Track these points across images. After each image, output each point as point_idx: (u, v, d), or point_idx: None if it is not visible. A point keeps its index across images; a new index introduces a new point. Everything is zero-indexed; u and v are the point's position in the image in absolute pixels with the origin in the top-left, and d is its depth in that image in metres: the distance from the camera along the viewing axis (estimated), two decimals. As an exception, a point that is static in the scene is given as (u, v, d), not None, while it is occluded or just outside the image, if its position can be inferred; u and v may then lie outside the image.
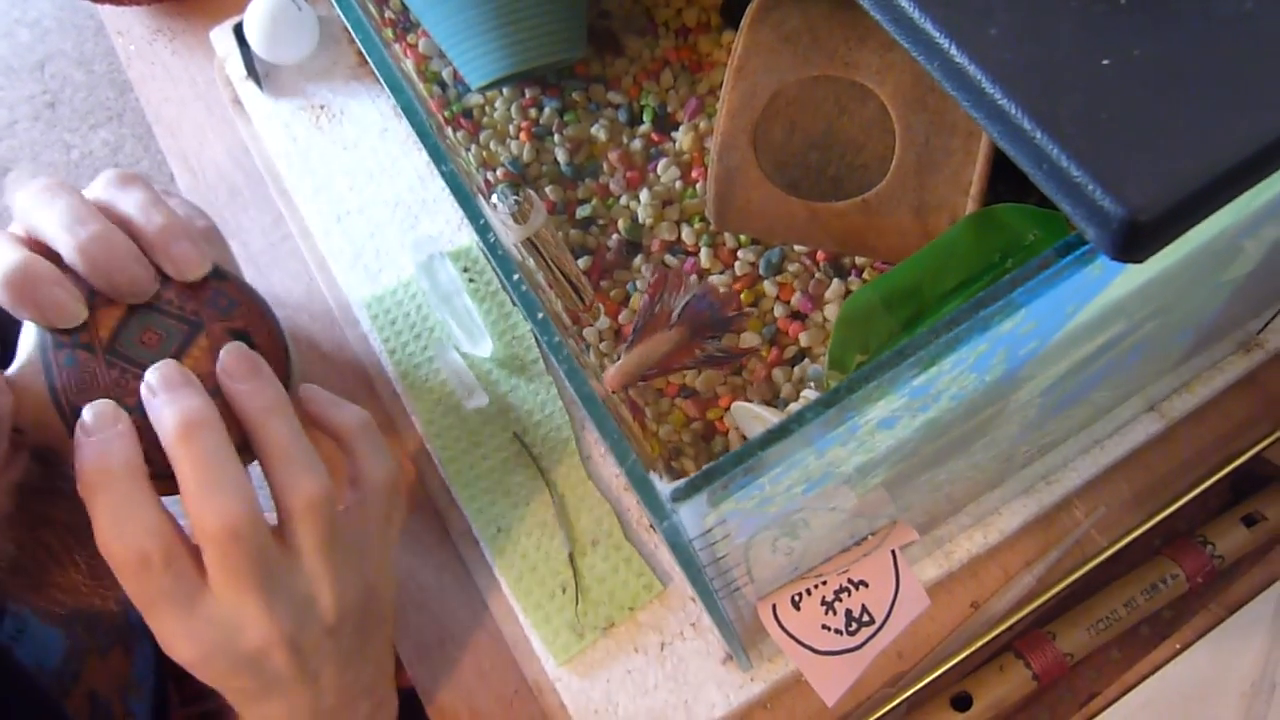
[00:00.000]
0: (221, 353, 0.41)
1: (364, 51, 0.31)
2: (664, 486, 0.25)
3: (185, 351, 0.42)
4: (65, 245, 0.40)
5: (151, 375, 0.40)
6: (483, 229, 0.28)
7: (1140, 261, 0.26)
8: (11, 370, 0.41)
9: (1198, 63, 0.27)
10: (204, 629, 0.39)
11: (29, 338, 0.41)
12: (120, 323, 0.41)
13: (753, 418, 0.48)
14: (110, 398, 0.40)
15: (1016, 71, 0.27)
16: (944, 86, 0.28)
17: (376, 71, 0.31)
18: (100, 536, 0.38)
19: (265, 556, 0.39)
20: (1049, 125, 0.26)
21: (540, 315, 0.27)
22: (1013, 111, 0.26)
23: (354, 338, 0.68)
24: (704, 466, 0.25)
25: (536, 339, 0.63)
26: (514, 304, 0.64)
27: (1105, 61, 0.27)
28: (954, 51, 0.27)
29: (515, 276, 0.27)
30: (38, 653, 0.52)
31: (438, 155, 0.29)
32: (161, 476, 0.40)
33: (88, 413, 0.39)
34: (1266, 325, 0.59)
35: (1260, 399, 0.60)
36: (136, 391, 0.40)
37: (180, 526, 0.39)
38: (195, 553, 0.39)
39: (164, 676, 0.61)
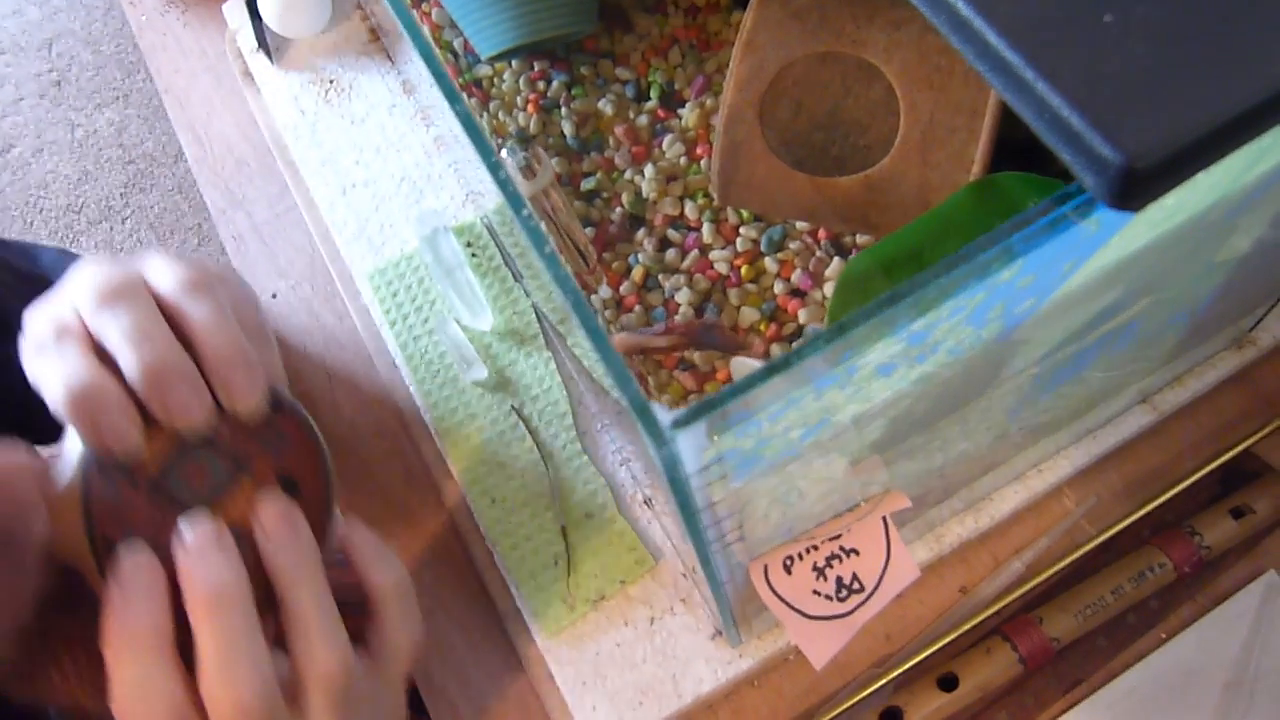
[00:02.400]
0: (259, 508, 0.41)
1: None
2: (665, 415, 0.26)
3: (229, 492, 0.41)
4: (127, 361, 0.39)
5: (186, 530, 0.39)
6: (494, 166, 0.28)
7: (1136, 210, 0.26)
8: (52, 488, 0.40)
9: (1198, 21, 0.27)
10: None
11: (73, 451, 0.40)
12: (168, 455, 0.40)
13: (763, 367, 0.48)
14: (146, 534, 0.39)
15: (1022, 25, 0.27)
16: (950, 40, 0.29)
17: (392, 11, 0.32)
18: (115, 701, 0.37)
19: None
20: (1051, 76, 0.26)
21: (547, 250, 0.28)
22: (1017, 63, 0.27)
23: (355, 310, 0.69)
24: (704, 398, 0.25)
25: (537, 314, 0.64)
26: (515, 279, 0.65)
27: (1108, 18, 0.27)
28: (960, 5, 0.28)
29: (524, 212, 0.28)
30: None
31: (451, 95, 0.30)
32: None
33: (124, 559, 0.38)
34: (1258, 323, 0.59)
35: (1251, 395, 0.61)
36: (171, 529, 0.39)
37: (195, 695, 0.38)
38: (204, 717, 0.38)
39: None
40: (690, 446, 0.27)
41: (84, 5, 1.86)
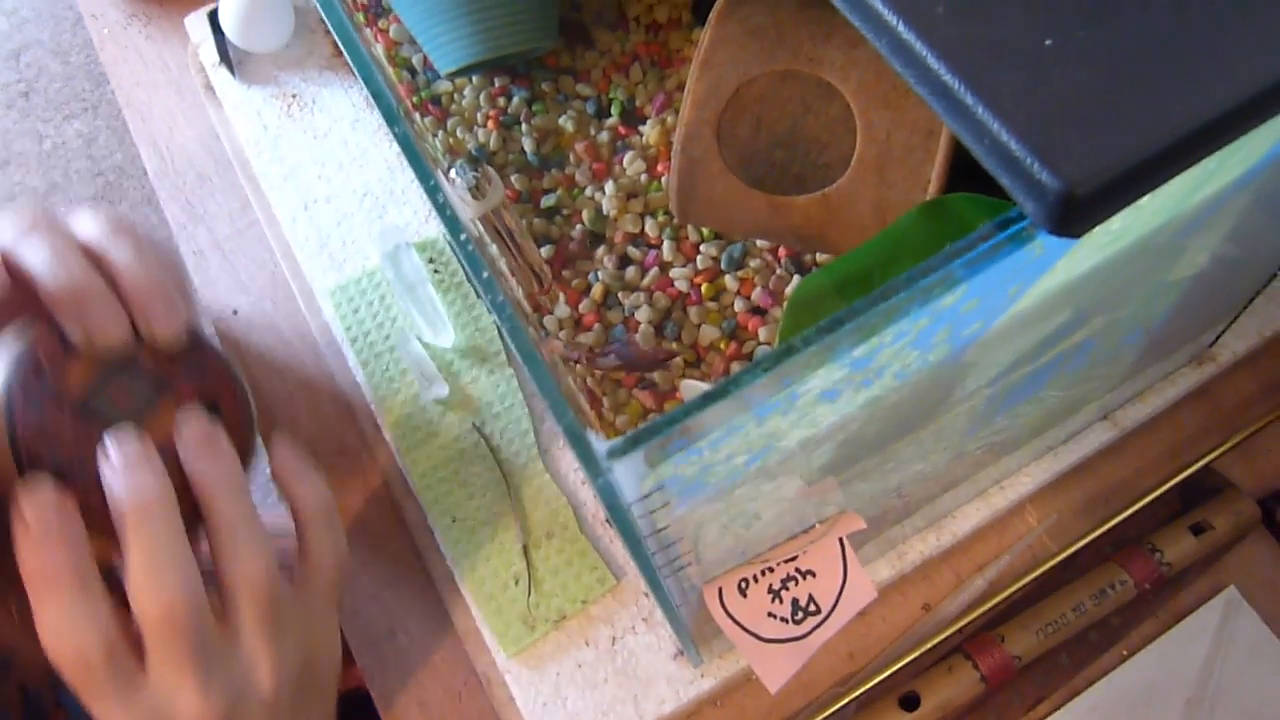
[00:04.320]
0: (180, 422, 0.41)
1: (322, 13, 0.31)
2: (600, 444, 0.25)
3: (152, 413, 0.41)
4: (45, 284, 0.39)
5: (110, 445, 0.39)
6: (432, 189, 0.28)
7: (1077, 236, 0.26)
8: None
9: (1138, 46, 0.27)
10: (140, 712, 0.39)
11: None
12: (91, 376, 0.41)
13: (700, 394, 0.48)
14: (71, 452, 0.39)
15: (961, 48, 0.27)
16: (891, 63, 0.28)
17: (330, 27, 0.31)
18: (42, 634, 0.38)
19: (203, 639, 0.39)
20: (990, 100, 0.26)
21: (485, 275, 0.27)
22: (956, 87, 0.27)
23: (316, 326, 0.68)
24: (640, 425, 0.25)
25: (499, 331, 0.63)
26: (478, 295, 0.64)
27: (1048, 41, 0.27)
28: (901, 28, 0.28)
29: (462, 236, 0.27)
30: None
31: (391, 116, 0.29)
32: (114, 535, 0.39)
33: (23, 499, 0.38)
34: (1217, 339, 0.60)
35: (1211, 411, 0.61)
36: (96, 446, 0.40)
37: (122, 617, 0.39)
38: (136, 640, 0.39)
39: None
40: (628, 475, 0.26)
41: (52, 16, 1.85)
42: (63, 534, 0.38)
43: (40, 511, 0.38)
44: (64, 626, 0.37)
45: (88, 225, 0.42)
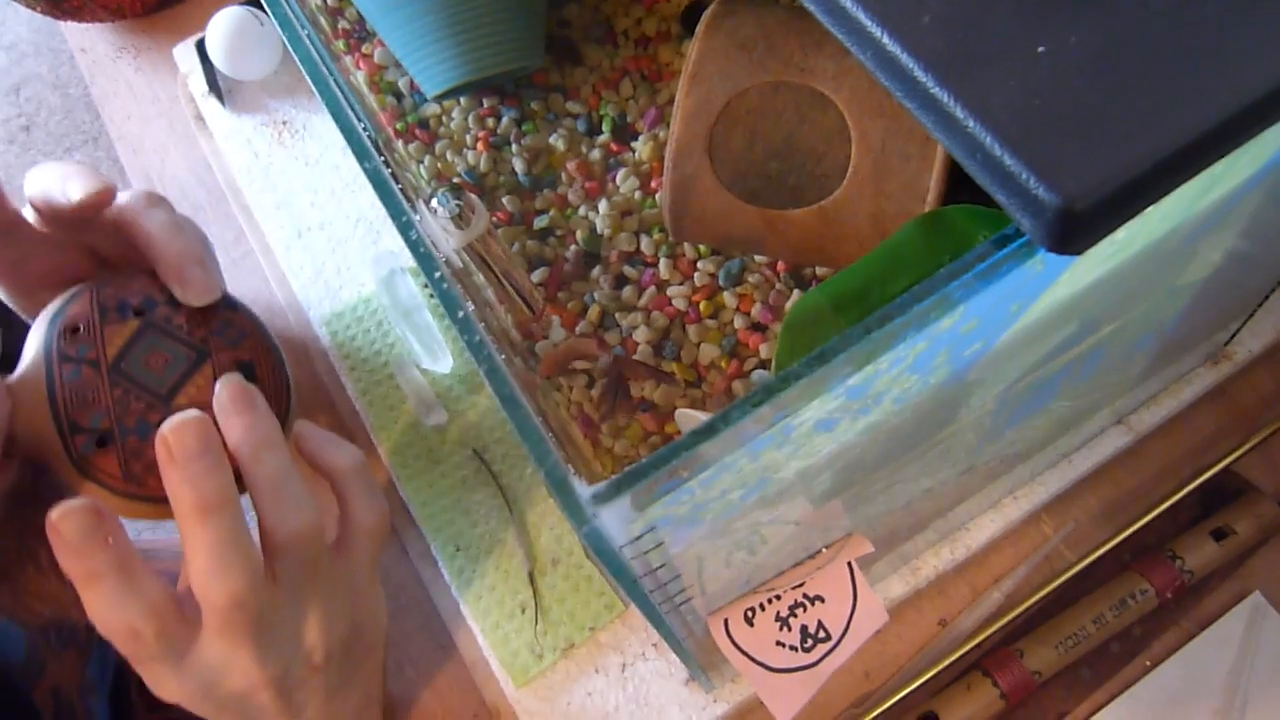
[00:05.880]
0: (218, 386, 0.41)
1: (287, 43, 0.31)
2: (583, 489, 0.24)
3: (190, 378, 0.42)
4: (161, 250, 0.42)
5: (170, 437, 0.38)
6: (404, 226, 0.27)
7: (1078, 253, 0.25)
8: (13, 376, 0.41)
9: (1135, 51, 0.26)
10: (191, 678, 0.40)
11: (34, 345, 0.41)
12: (129, 341, 0.42)
13: (696, 424, 0.47)
14: (110, 416, 0.40)
15: (949, 59, 0.26)
16: (878, 77, 0.27)
17: (301, 66, 0.30)
18: (91, 614, 0.38)
19: (261, 616, 0.40)
20: (982, 113, 0.25)
21: (460, 315, 0.26)
22: (945, 100, 0.26)
23: (314, 354, 0.67)
24: (625, 468, 0.24)
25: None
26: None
27: (1040, 49, 0.26)
28: (885, 40, 0.27)
29: (437, 274, 0.26)
30: (5, 645, 0.52)
31: (361, 152, 0.28)
32: (156, 500, 0.40)
33: (61, 518, 0.37)
34: (1233, 337, 0.58)
35: (1229, 411, 0.60)
36: (137, 411, 0.41)
37: (170, 593, 0.40)
38: (184, 610, 0.40)
39: (125, 679, 0.60)
40: (615, 521, 0.25)
41: (51, 49, 1.85)
42: (96, 540, 0.37)
43: (71, 525, 0.37)
44: (109, 610, 0.38)
45: (124, 196, 0.44)
